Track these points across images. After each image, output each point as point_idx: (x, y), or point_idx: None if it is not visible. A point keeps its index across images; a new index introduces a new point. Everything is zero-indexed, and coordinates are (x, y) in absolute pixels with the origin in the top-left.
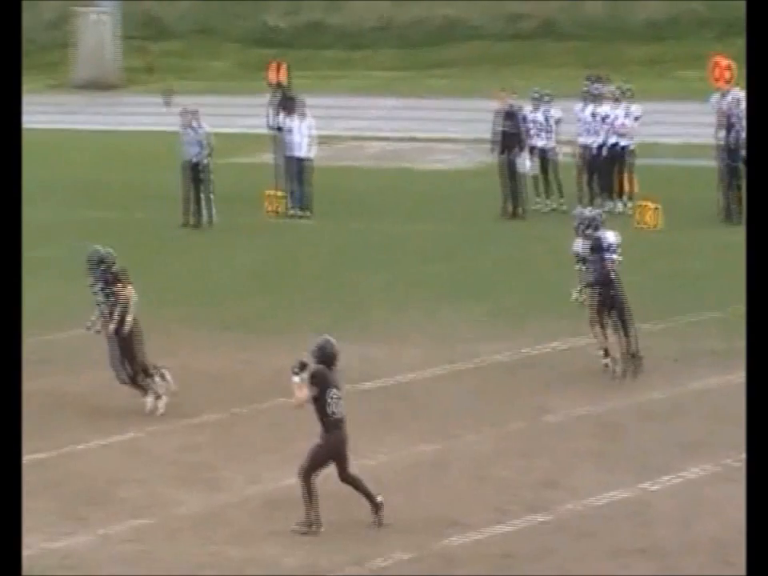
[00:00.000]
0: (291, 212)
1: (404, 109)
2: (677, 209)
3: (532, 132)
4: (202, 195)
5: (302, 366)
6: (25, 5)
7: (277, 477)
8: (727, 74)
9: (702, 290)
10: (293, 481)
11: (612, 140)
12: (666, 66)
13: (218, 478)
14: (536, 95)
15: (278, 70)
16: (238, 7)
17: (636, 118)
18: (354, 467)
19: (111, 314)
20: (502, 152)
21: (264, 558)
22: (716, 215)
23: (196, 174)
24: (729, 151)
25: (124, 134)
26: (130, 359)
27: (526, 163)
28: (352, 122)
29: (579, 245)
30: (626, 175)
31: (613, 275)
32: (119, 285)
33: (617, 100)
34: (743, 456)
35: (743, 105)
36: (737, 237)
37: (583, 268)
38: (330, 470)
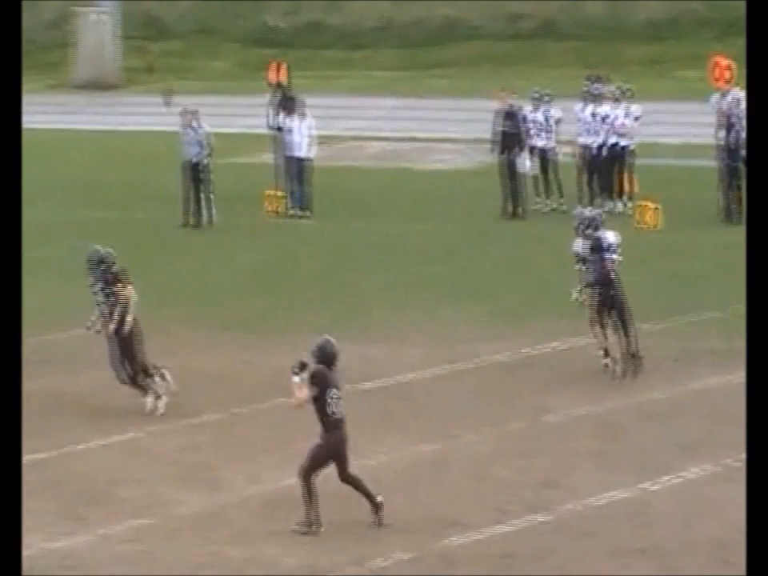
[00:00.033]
0: (291, 212)
1: (404, 109)
2: (677, 209)
3: (532, 132)
4: (202, 195)
5: (302, 366)
6: (25, 5)
7: (277, 477)
8: (727, 74)
9: (702, 290)
10: (293, 481)
11: (612, 140)
12: (666, 65)
13: (218, 478)
14: (536, 95)
15: (278, 69)
16: (238, 7)
17: (636, 118)
18: (354, 467)
19: (111, 314)
20: (502, 152)
21: (264, 557)
22: (716, 215)
23: (196, 174)
24: (729, 151)
25: (124, 134)
26: (130, 359)
27: (526, 163)
28: (352, 122)
29: (579, 245)
30: (625, 175)
31: (613, 275)
32: (119, 285)
33: (617, 100)
34: (743, 456)
35: (743, 105)
36: (737, 237)
37: (583, 268)
38: (330, 470)
